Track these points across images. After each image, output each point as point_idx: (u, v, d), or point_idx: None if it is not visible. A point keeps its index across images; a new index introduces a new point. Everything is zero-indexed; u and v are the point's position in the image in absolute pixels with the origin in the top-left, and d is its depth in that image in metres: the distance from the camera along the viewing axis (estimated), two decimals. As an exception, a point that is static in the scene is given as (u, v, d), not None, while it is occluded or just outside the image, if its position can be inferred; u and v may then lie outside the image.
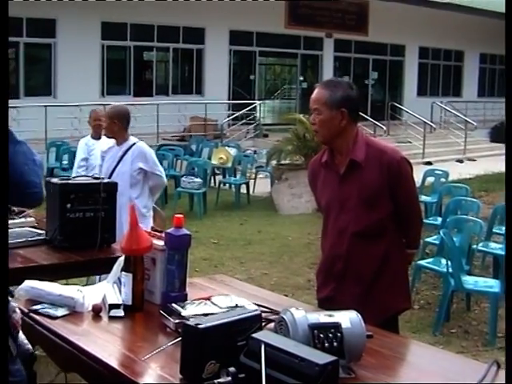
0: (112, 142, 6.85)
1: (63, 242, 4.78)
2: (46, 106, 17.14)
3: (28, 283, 3.54)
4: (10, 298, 2.88)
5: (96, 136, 8.80)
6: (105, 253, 4.73)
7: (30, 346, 3.17)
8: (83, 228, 4.76)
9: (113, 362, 2.84)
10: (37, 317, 3.32)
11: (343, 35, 27.28)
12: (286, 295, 5.13)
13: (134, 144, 6.75)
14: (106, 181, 5.06)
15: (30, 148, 2.87)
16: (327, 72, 27.47)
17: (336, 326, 2.75)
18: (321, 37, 27.17)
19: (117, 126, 6.66)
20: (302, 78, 28.41)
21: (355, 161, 3.94)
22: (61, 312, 3.34)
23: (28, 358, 3.11)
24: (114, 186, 5.02)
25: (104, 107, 8.77)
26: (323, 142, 4.13)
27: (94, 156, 8.32)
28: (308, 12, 26.14)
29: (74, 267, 4.69)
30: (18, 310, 2.94)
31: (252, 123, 22.55)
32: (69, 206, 4.78)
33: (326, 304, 3.96)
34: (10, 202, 2.86)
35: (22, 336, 3.09)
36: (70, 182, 5.00)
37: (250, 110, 22.49)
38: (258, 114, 23.52)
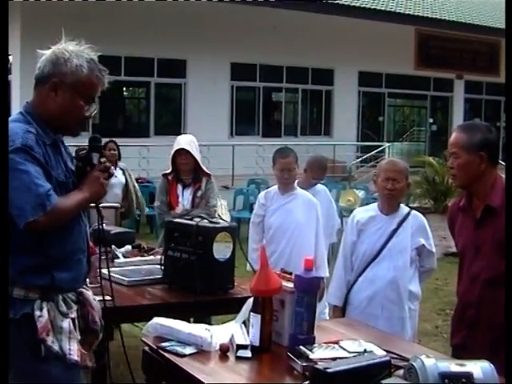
0: (372, 208, 5.30)
1: (166, 281, 4.87)
2: (175, 145, 17.46)
3: (157, 320, 3.58)
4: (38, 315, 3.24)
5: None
6: (231, 294, 4.75)
7: (73, 356, 3.30)
8: (184, 268, 4.69)
9: (239, 402, 2.83)
10: (165, 354, 3.35)
11: (474, 76, 26.90)
12: (413, 341, 5.01)
13: (409, 213, 5.20)
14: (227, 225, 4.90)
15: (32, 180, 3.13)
16: (457, 114, 27.10)
17: (468, 376, 2.68)
18: (451, 78, 26.88)
19: (407, 188, 5.23)
20: (431, 120, 28.12)
21: (491, 206, 3.83)
22: (189, 350, 3.35)
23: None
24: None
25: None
26: (461, 186, 4.04)
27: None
28: (438, 53, 25.95)
29: (201, 307, 4.72)
30: (42, 320, 3.23)
31: (380, 165, 22.39)
32: (173, 244, 4.80)
33: (458, 351, 3.86)
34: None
35: (67, 346, 3.28)
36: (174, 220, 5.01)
37: (378, 152, 22.37)
38: (386, 156, 23.36)
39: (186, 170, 6.84)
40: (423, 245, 5.16)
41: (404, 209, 5.23)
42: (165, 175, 6.98)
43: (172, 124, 21.13)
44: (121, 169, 11.24)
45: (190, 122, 20.39)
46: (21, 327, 3.21)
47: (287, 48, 21.20)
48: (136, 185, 11.74)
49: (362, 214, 5.31)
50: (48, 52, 3.33)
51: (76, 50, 3.33)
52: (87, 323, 3.47)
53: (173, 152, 6.84)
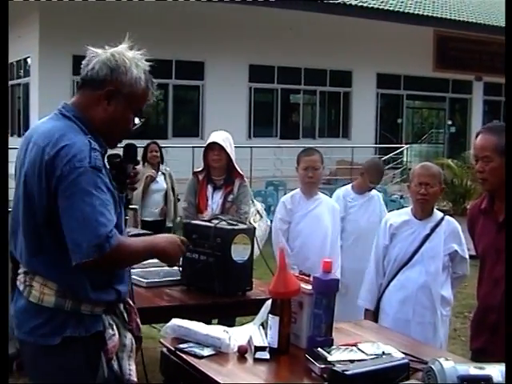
0: (406, 212, 5.31)
1: (184, 282, 4.85)
2: (193, 147, 17.42)
3: (175, 321, 3.57)
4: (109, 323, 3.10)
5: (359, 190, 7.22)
6: (250, 295, 4.74)
7: (133, 378, 3.20)
8: (202, 270, 4.65)
9: (257, 404, 2.83)
10: (183, 355, 3.35)
11: (493, 78, 26.77)
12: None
13: (443, 218, 5.17)
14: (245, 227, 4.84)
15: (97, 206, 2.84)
16: (476, 116, 27.00)
17: (487, 379, 2.65)
18: (470, 80, 26.78)
19: (440, 192, 5.22)
20: (450, 122, 28.00)
21: None
22: (207, 352, 3.34)
23: None
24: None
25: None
26: (491, 190, 3.89)
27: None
28: (457, 55, 25.83)
29: (219, 308, 4.72)
30: (115, 338, 3.10)
31: (399, 167, 22.34)
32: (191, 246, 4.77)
33: (478, 356, 3.80)
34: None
35: (127, 366, 3.19)
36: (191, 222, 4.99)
37: (396, 154, 22.29)
38: (404, 158, 23.28)
39: (217, 167, 6.41)
40: (456, 251, 5.12)
41: (438, 214, 5.18)
42: (195, 174, 6.63)
43: (190, 126, 21.14)
44: (163, 173, 10.44)
45: (208, 124, 20.37)
46: (88, 345, 3.00)
47: (305, 50, 21.18)
48: (176, 191, 10.54)
49: (395, 218, 5.28)
50: (105, 54, 3.07)
51: (134, 59, 3.13)
52: (133, 331, 3.32)
53: (205, 146, 6.45)
